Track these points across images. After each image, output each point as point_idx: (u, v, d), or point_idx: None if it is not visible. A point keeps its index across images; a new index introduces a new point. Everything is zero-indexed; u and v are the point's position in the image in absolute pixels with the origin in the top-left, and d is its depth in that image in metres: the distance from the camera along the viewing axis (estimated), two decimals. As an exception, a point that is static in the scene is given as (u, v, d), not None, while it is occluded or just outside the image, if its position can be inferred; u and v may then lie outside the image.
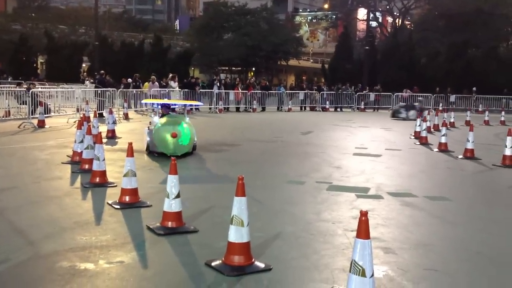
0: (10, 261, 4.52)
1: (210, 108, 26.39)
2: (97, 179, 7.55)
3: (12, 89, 20.29)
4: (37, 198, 6.86)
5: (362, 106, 32.31)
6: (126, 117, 20.16)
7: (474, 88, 34.66)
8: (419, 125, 15.79)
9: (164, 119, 10.38)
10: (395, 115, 25.32)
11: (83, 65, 46.81)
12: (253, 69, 52.93)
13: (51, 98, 19.76)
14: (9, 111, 17.96)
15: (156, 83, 25.13)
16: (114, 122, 14.75)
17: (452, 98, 33.97)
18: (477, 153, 12.07)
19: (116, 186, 7.40)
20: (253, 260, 4.51)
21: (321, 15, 71.05)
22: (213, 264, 4.49)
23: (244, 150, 12.48)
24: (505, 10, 44.33)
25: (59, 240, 5.13)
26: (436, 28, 47.42)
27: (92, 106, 19.11)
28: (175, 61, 42.95)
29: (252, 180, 8.24)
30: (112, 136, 13.71)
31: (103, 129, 13.65)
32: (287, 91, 32.76)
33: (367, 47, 41.60)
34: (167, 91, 24.73)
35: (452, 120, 21.18)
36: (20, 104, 18.12)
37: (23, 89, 18.80)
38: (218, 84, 28.59)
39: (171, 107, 12.02)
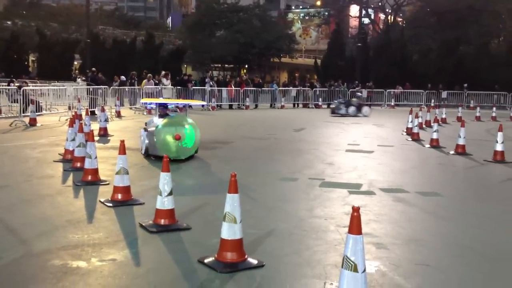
0: (2, 259, 4.50)
1: (202, 106, 26.36)
2: (89, 177, 7.53)
3: (3, 87, 20.18)
4: (29, 197, 6.84)
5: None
6: (118, 115, 20.09)
7: (466, 85, 34.83)
8: (411, 121, 15.86)
9: (165, 120, 9.67)
10: (334, 111, 24.19)
11: (75, 62, 46.63)
12: (246, 66, 52.91)
13: (43, 96, 19.69)
14: (0, 109, 17.85)
15: (152, 81, 25.08)
16: (106, 120, 14.70)
17: (444, 94, 34.14)
18: (468, 148, 12.14)
19: (108, 184, 7.39)
20: (245, 256, 4.51)
21: (314, 12, 71.18)
22: (205, 261, 4.49)
23: (237, 147, 12.48)
24: (496, 6, 44.55)
25: (52, 238, 5.12)
26: (428, 25, 47.64)
27: (84, 104, 19.03)
28: (167, 58, 42.89)
29: (245, 177, 8.25)
30: (104, 134, 13.66)
31: (95, 127, 13.60)
32: (280, 88, 32.79)
33: (359, 44, 41.69)
34: (159, 88, 24.67)
35: (443, 116, 21.28)
36: (12, 102, 18.02)
37: (14, 87, 18.68)
38: (211, 82, 28.54)
39: (168, 106, 11.38)
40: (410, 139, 14.75)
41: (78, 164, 8.49)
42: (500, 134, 11.12)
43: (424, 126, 18.03)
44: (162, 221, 5.46)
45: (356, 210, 3.27)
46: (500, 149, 11.06)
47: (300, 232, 5.58)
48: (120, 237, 5.22)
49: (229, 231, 4.40)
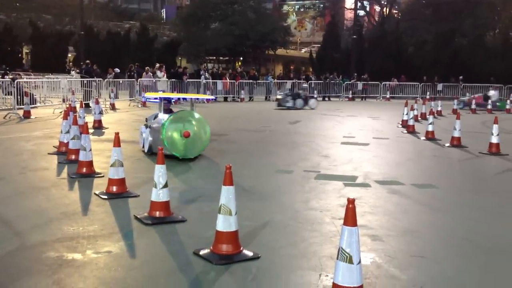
0: (-4, 252, 4.48)
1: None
2: (84, 170, 7.50)
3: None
4: (24, 189, 6.80)
5: (350, 95, 32.39)
6: (112, 107, 20.01)
7: (461, 77, 34.89)
8: (407, 114, 15.87)
9: (172, 116, 9.00)
10: (281, 104, 23.11)
11: (69, 55, 46.37)
12: (241, 58, 52.77)
13: (37, 89, 19.58)
14: (-6, 102, 17.76)
15: (150, 73, 25.01)
16: (101, 113, 14.65)
17: (439, 86, 34.19)
18: (463, 141, 12.17)
19: (103, 176, 7.36)
20: (241, 248, 4.51)
21: (309, 4, 71.04)
22: (201, 253, 4.49)
23: (232, 139, 12.45)
24: (492, -1, 44.60)
25: (46, 230, 5.10)
26: (423, 17, 47.64)
27: (78, 96, 18.95)
28: (161, 50, 42.74)
29: (240, 169, 8.24)
30: (98, 126, 13.61)
31: (90, 119, 13.54)
32: (275, 81, 32.74)
33: (354, 36, 41.65)
34: (154, 81, 24.58)
35: (439, 108, 21.31)
36: (5, 94, 17.91)
37: (8, 79, 18.57)
38: (206, 74, 28.46)
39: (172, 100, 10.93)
40: (406, 132, 14.76)
41: (73, 157, 8.46)
42: (495, 126, 11.14)
43: (419, 118, 18.05)
44: (157, 213, 5.44)
45: (351, 202, 3.27)
46: (496, 141, 11.08)
47: (296, 224, 5.58)
48: (115, 229, 5.21)
49: (224, 223, 4.40)
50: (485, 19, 45.17)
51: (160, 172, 5.36)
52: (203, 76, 27.97)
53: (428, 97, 30.12)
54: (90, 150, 7.58)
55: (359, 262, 3.29)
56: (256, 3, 51.22)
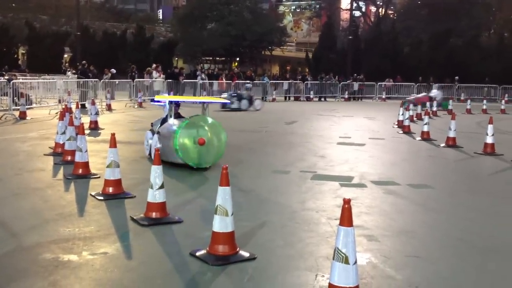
0: (-8, 253, 4.48)
1: (225, 105, 26.14)
2: (80, 171, 7.50)
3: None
4: (20, 190, 6.79)
5: (346, 96, 32.44)
6: (109, 108, 19.98)
7: (457, 77, 34.98)
8: (402, 114, 15.92)
9: (186, 122, 8.29)
10: (226, 105, 21.04)
11: (65, 55, 46.29)
12: (237, 59, 52.81)
13: (33, 89, 19.53)
14: (-11, 102, 17.71)
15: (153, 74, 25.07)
16: (97, 113, 14.62)
17: (435, 87, 34.24)
18: (459, 141, 12.21)
19: (99, 177, 7.35)
20: (237, 249, 4.52)
21: (305, 4, 71.11)
22: (197, 254, 4.49)
23: (228, 140, 12.39)
24: (487, -1, 44.76)
25: (42, 232, 5.09)
26: (419, 17, 47.78)
27: (74, 97, 18.91)
28: (158, 51, 42.73)
29: (237, 170, 8.26)
30: (95, 127, 13.59)
31: (86, 120, 13.52)
32: (271, 81, 32.77)
33: (350, 37, 41.71)
34: (150, 81, 24.56)
35: (434, 109, 21.36)
36: (1, 95, 17.86)
37: (4, 80, 18.52)
38: (202, 75, 28.47)
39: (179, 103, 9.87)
40: (401, 132, 14.80)
41: (69, 158, 8.45)
42: (490, 126, 11.19)
43: (415, 119, 18.10)
44: (154, 214, 5.44)
45: (347, 202, 3.29)
46: (490, 142, 11.12)
47: (292, 224, 5.59)
48: (112, 231, 5.21)
49: (220, 224, 4.40)
50: (480, 19, 45.36)
51: (156, 173, 5.36)
52: (199, 77, 27.97)
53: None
54: (86, 151, 7.57)
55: (355, 262, 3.30)
56: (253, 3, 51.32)
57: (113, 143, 6.36)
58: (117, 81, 24.47)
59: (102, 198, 6.32)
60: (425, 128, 13.43)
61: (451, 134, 12.20)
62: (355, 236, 3.37)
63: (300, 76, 34.27)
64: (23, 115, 15.69)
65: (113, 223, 5.47)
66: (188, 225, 5.43)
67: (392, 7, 59.15)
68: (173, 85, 25.86)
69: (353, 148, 11.54)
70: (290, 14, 73.09)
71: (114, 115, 18.41)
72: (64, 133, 9.15)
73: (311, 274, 4.21)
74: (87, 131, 11.44)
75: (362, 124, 17.18)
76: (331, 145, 11.97)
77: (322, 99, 31.94)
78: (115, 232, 5.17)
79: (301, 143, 12.03)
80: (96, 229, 5.22)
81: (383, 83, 34.05)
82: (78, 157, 7.52)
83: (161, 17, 74.47)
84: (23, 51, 48.64)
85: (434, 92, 25.43)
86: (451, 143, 12.09)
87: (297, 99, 31.39)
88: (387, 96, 33.29)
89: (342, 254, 3.26)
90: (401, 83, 34.79)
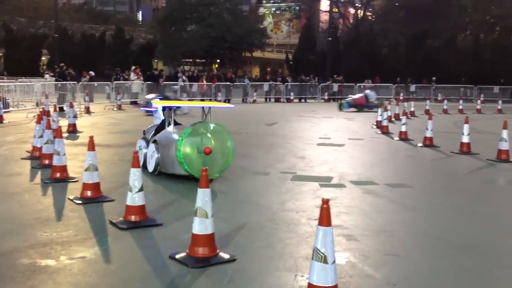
0: (-32, 259, 4.40)
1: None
2: (58, 174, 7.41)
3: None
4: (-4, 195, 6.69)
5: (326, 97, 32.62)
6: (87, 111, 19.78)
7: (434, 78, 35.45)
8: (381, 115, 16.07)
9: (191, 129, 7.55)
10: (151, 110, 18.66)
11: (43, 58, 45.70)
12: (218, 61, 52.73)
13: (10, 93, 19.24)
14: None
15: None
16: (75, 116, 14.48)
17: (412, 87, 34.68)
18: (436, 141, 12.37)
19: (77, 181, 7.28)
20: (217, 251, 4.51)
21: (285, 6, 71.42)
22: (177, 256, 4.48)
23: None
24: (463, 1, 45.40)
25: (19, 236, 5.02)
26: (396, 19, 48.31)
27: (52, 100, 18.70)
28: (137, 53, 42.46)
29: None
30: (73, 130, 13.45)
31: (64, 123, 13.38)
32: (252, 83, 32.81)
33: (330, 38, 41.97)
34: (129, 83, 24.40)
35: (412, 109, 21.61)
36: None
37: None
38: (183, 77, 28.37)
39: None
40: (380, 132, 14.95)
41: (46, 161, 8.35)
42: (466, 126, 11.36)
43: (393, 119, 18.28)
44: (133, 218, 5.41)
45: (325, 202, 3.31)
46: (466, 141, 11.30)
47: (272, 225, 5.61)
48: (90, 235, 5.16)
49: (200, 226, 4.40)
50: (456, 20, 45.99)
51: (135, 175, 5.33)
52: (180, 79, 27.87)
53: (401, 98, 30.48)
54: (64, 154, 7.49)
55: (334, 261, 3.33)
56: (233, 5, 51.30)
57: (91, 146, 6.31)
58: (95, 83, 24.24)
59: (80, 202, 6.26)
60: (403, 128, 13.58)
61: (428, 134, 12.35)
62: (334, 236, 3.40)
63: (280, 77, 34.37)
64: (0, 119, 15.46)
65: (91, 227, 5.42)
66: (168, 228, 5.41)
67: (370, 9, 59.69)
68: (152, 87, 25.72)
69: (332, 148, 11.62)
70: (270, 15, 73.29)
71: (92, 117, 18.23)
72: (41, 136, 9.04)
73: (290, 275, 4.23)
74: (65, 134, 11.28)
75: (341, 125, 17.30)
76: (311, 146, 12.03)
77: (303, 100, 32.06)
78: (94, 236, 5.12)
79: (281, 144, 12.07)
80: (74, 233, 5.17)
81: (362, 84, 34.30)
82: (56, 161, 7.44)
83: (140, 19, 73.97)
84: (0, 54, 47.91)
85: (367, 92, 24.93)
86: (428, 143, 12.24)
87: (277, 100, 31.47)
88: (366, 97, 33.50)
89: (321, 254, 3.29)
90: (380, 84, 35.11)
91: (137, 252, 4.73)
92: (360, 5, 58.05)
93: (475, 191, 7.83)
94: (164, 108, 8.77)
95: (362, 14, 57.20)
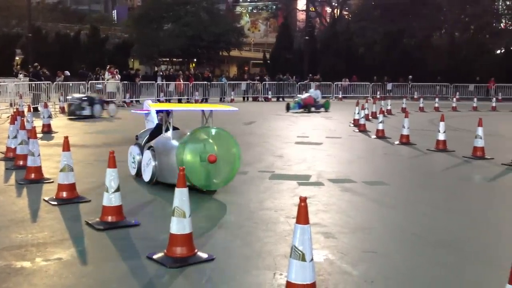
0: None
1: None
2: (33, 175, 7.29)
3: None
4: (-32, 197, 6.55)
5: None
6: (62, 111, 19.50)
7: (410, 76, 35.86)
8: (358, 113, 16.19)
9: (192, 135, 6.95)
10: (75, 113, 17.46)
11: (16, 58, 44.90)
12: (195, 60, 52.49)
13: (-18, 93, 18.85)
14: None
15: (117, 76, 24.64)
16: (50, 117, 14.26)
17: (389, 86, 35.01)
18: (412, 138, 12.51)
19: (52, 182, 7.17)
20: (195, 251, 4.49)
21: (262, 5, 71.38)
22: (154, 257, 4.44)
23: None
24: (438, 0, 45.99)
25: (-7, 239, 4.92)
26: (373, 18, 48.63)
27: (26, 100, 18.38)
28: (113, 52, 41.97)
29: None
30: (48, 130, 13.25)
31: (38, 123, 13.16)
32: (229, 82, 32.75)
33: (307, 37, 42.11)
34: (105, 83, 24.11)
35: (389, 107, 21.79)
36: None
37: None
38: (162, 74, 28.20)
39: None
40: (357, 131, 15.06)
41: (21, 162, 8.21)
42: (442, 124, 11.51)
43: (370, 117, 18.44)
44: (110, 218, 5.35)
45: (303, 200, 3.32)
46: (442, 139, 11.45)
47: (251, 224, 5.60)
48: (66, 236, 5.08)
49: (178, 226, 4.37)
50: (431, 19, 46.56)
51: (111, 176, 5.27)
52: (159, 78, 27.72)
53: (378, 96, 30.79)
54: (39, 155, 7.38)
55: (312, 259, 3.34)
56: (209, 4, 51.05)
57: (66, 146, 6.22)
58: (70, 83, 23.89)
59: (55, 203, 6.16)
60: (380, 126, 13.70)
61: (405, 131, 12.49)
62: (312, 234, 3.40)
63: (258, 76, 34.36)
64: (-28, 120, 15.13)
65: (67, 228, 5.34)
66: (145, 228, 5.36)
67: (347, 8, 60.06)
68: (128, 86, 25.48)
69: (310, 147, 11.66)
70: (247, 14, 73.17)
71: (67, 118, 17.96)
72: (15, 137, 8.89)
73: (269, 273, 4.23)
74: (39, 135, 11.11)
75: (319, 124, 17.38)
76: (289, 144, 12.06)
77: (280, 99, 32.11)
78: (70, 237, 5.05)
79: (259, 143, 12.07)
80: (50, 234, 5.09)
81: (340, 83, 34.53)
82: (30, 162, 7.32)
83: (115, 18, 73.18)
84: (-27, 54, 46.90)
85: (312, 92, 24.13)
86: (405, 141, 12.38)
87: (255, 99, 31.47)
88: (343, 95, 33.77)
89: (299, 252, 3.29)
90: (357, 83, 35.37)
91: (114, 253, 4.68)
92: (336, 4, 58.38)
93: (451, 188, 7.94)
94: (157, 112, 8.16)
95: (338, 13, 57.54)
